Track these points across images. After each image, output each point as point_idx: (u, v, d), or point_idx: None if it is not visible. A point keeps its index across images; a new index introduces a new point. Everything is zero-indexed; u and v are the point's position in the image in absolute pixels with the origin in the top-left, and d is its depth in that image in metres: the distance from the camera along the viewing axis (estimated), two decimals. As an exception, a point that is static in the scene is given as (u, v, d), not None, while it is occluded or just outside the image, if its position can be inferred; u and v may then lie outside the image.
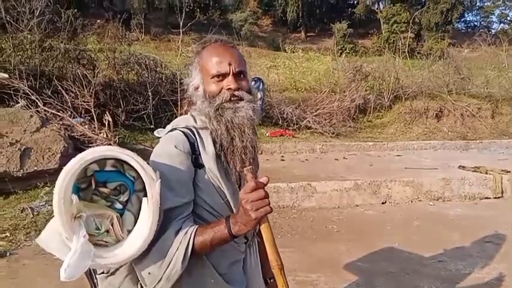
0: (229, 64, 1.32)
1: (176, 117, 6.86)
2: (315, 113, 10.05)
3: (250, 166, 1.21)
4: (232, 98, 1.31)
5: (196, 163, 1.31)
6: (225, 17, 29.77)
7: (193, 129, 1.36)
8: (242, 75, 1.35)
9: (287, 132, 9.59)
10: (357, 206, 5.56)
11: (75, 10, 8.84)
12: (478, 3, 40.12)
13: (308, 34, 35.68)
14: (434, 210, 5.48)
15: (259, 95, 10.03)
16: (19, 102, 6.73)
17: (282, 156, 8.14)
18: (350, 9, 37.96)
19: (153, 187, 1.14)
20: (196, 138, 1.34)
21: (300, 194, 5.48)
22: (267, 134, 9.42)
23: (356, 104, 10.83)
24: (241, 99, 1.32)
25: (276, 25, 36.62)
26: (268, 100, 10.38)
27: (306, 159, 7.88)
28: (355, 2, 38.46)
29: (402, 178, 5.91)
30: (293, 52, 16.39)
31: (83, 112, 7.12)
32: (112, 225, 1.18)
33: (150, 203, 1.15)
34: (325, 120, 9.94)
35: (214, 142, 1.33)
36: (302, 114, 9.95)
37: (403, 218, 5.09)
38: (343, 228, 4.75)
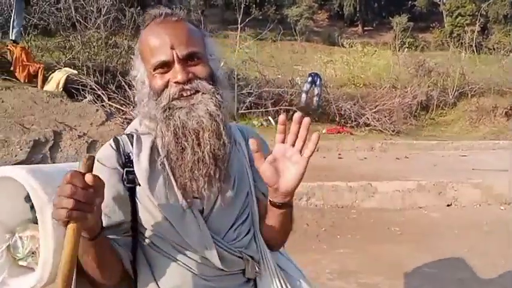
0: (172, 47, 1.00)
1: (233, 114, 6.80)
2: (375, 110, 9.75)
3: (88, 154, 0.85)
4: (183, 94, 1.01)
5: (129, 179, 1.05)
6: (281, 12, 29.66)
7: (134, 136, 1.10)
8: (195, 59, 1.03)
9: (344, 129, 9.39)
10: (420, 207, 5.31)
11: (138, 8, 9.14)
12: (553, -7, 37.15)
13: (365, 28, 34.77)
14: (505, 215, 5.12)
15: (316, 91, 9.90)
16: (86, 97, 7.07)
17: (339, 154, 7.96)
18: (410, 2, 36.48)
19: (45, 211, 0.99)
20: (132, 148, 1.08)
21: (359, 193, 5.32)
22: (323, 131, 9.27)
23: (418, 101, 10.42)
24: (196, 92, 1.02)
25: (332, 19, 36.00)
26: (325, 96, 10.21)
27: (365, 158, 7.66)
28: (416, -6, 36.91)
29: (470, 180, 5.57)
30: (351, 47, 16.03)
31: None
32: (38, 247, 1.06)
33: (40, 228, 1.01)
34: (385, 117, 9.62)
35: (154, 152, 1.07)
36: (360, 110, 9.69)
37: (471, 222, 4.79)
38: (406, 230, 4.55)
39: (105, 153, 1.08)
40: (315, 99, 9.97)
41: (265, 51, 11.94)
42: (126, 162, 1.07)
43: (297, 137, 0.97)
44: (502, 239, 4.27)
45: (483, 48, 15.58)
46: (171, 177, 1.05)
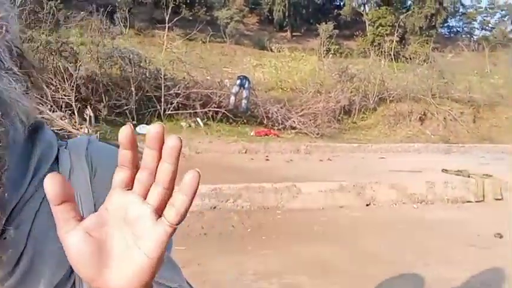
0: None
1: (159, 113, 6.49)
2: (300, 113, 10.02)
3: None
4: None
5: None
6: (211, 14, 29.56)
7: None
8: None
9: (272, 132, 9.54)
10: (341, 207, 5.53)
11: (58, 1, 8.60)
12: (461, 10, 40.77)
13: (294, 34, 35.72)
14: (417, 213, 5.49)
15: (244, 94, 9.97)
16: (-3, 94, 6.52)
17: (267, 156, 8.07)
18: (336, 10, 38.17)
19: None
20: None
21: (284, 194, 5.42)
22: (251, 133, 9.35)
23: (341, 105, 10.86)
24: None
25: (262, 24, 36.56)
26: (253, 99, 10.31)
27: (291, 160, 7.83)
28: (341, 4, 38.70)
29: (387, 181, 5.91)
30: (279, 51, 16.35)
31: (64, 106, 6.93)
32: None
33: None
34: (310, 120, 9.93)
35: None
36: (287, 114, 9.90)
37: (387, 221, 5.08)
38: (329, 229, 4.71)
39: None
40: (244, 101, 10.04)
41: (195, 52, 11.80)
42: None
43: (153, 178, 0.44)
44: (414, 236, 4.57)
45: (401, 57, 16.64)
46: None
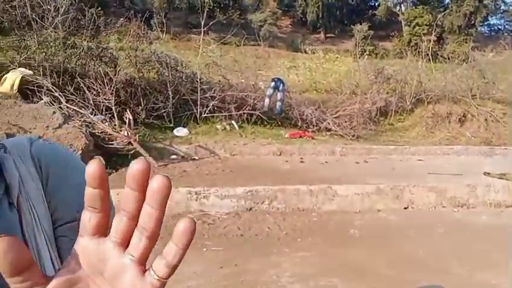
0: None
1: (195, 116, 6.46)
2: (335, 115, 9.93)
3: None
4: None
5: None
6: (245, 17, 29.75)
7: None
8: None
9: (306, 134, 9.50)
10: (379, 210, 5.44)
11: (98, 8, 8.92)
12: (502, 7, 39.25)
13: (327, 35, 35.44)
14: (459, 217, 5.33)
15: (279, 96, 9.99)
16: (42, 99, 6.81)
17: (301, 158, 8.04)
18: (370, 11, 37.56)
19: None
20: None
21: (320, 197, 5.39)
22: (286, 135, 9.34)
23: (377, 107, 10.68)
24: None
25: (296, 26, 36.47)
26: (287, 101, 10.31)
27: (326, 162, 7.77)
28: (376, 4, 38.09)
29: (425, 183, 5.77)
30: (313, 53, 16.28)
31: (104, 110, 7.17)
32: None
33: None
34: (346, 122, 9.82)
35: None
36: (322, 115, 9.84)
37: (426, 225, 4.96)
38: (365, 233, 4.65)
39: None
40: (278, 104, 10.06)
41: (229, 55, 11.94)
42: None
43: (135, 223, 0.36)
44: (455, 241, 4.44)
45: (439, 57, 16.21)
46: None
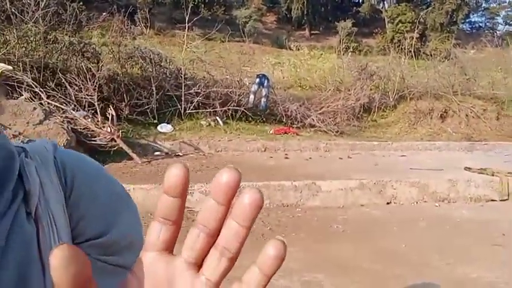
0: None
1: (180, 112, 6.37)
2: (320, 111, 9.98)
3: None
4: None
5: None
6: (230, 13, 29.66)
7: None
8: None
9: (291, 130, 9.53)
10: (362, 205, 5.50)
11: (80, 3, 8.76)
12: (483, 4, 39.93)
13: (312, 32, 35.56)
14: (440, 211, 5.42)
15: (263, 92, 9.99)
16: (22, 95, 6.69)
17: (286, 154, 8.07)
18: (355, 8, 37.83)
19: None
20: None
21: (304, 192, 5.42)
22: (270, 132, 9.36)
23: (361, 103, 10.77)
24: None
25: (280, 22, 36.50)
26: (272, 97, 10.32)
27: (310, 158, 7.82)
28: (360, 1, 38.35)
29: (408, 179, 5.85)
30: (298, 50, 16.32)
31: (87, 105, 7.07)
32: None
33: None
34: (330, 118, 9.88)
35: None
36: (306, 112, 9.88)
37: (409, 219, 5.03)
38: (349, 228, 4.69)
39: None
40: (263, 100, 10.06)
41: (214, 51, 11.88)
42: None
43: (213, 241, 0.31)
44: (436, 235, 4.51)
45: (421, 54, 16.40)
46: None
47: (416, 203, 5.70)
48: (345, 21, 30.46)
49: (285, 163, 7.32)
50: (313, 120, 9.81)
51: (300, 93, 11.36)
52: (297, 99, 10.43)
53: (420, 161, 7.69)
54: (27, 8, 7.62)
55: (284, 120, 9.85)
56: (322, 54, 16.54)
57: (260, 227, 4.61)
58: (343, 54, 12.98)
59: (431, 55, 15.09)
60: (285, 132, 9.41)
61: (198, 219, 0.30)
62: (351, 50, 14.37)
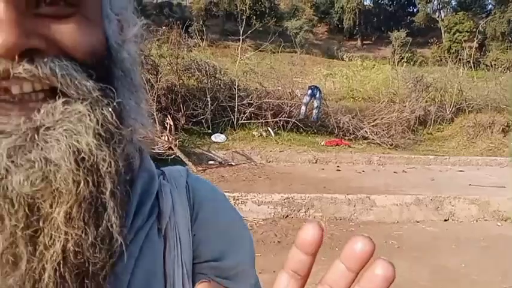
0: None
1: (233, 123, 6.47)
2: (373, 123, 9.84)
3: None
4: (11, 91, 0.40)
5: None
6: (281, 25, 29.92)
7: None
8: (63, 3, 0.41)
9: (343, 142, 9.45)
10: (418, 222, 5.35)
11: (142, 17, 9.18)
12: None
13: (364, 42, 35.11)
14: (502, 231, 5.17)
15: (315, 104, 9.99)
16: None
17: (338, 166, 8.02)
18: (409, 17, 36.99)
19: None
20: None
21: (358, 206, 5.36)
22: (322, 143, 9.33)
23: (416, 116, 10.50)
24: (49, 91, 0.41)
25: (332, 33, 36.35)
26: (324, 109, 10.30)
27: (363, 171, 7.71)
28: (415, 10, 37.45)
29: (467, 195, 5.63)
30: (350, 60, 16.18)
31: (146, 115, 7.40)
32: None
33: None
34: (383, 131, 9.70)
35: None
36: (359, 124, 9.77)
37: (468, 238, 4.84)
38: (404, 244, 4.59)
39: None
40: (314, 111, 10.06)
41: (265, 62, 12.04)
42: None
43: None
44: (499, 255, 4.31)
45: (481, 64, 15.75)
46: None
47: (476, 221, 5.47)
48: (398, 31, 29.83)
49: (337, 175, 7.27)
50: (366, 132, 9.68)
51: (353, 104, 11.25)
52: (349, 110, 10.34)
53: (480, 177, 7.38)
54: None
55: (336, 132, 9.79)
56: (375, 65, 16.28)
57: (313, 240, 4.61)
58: (397, 65, 12.73)
59: (491, 66, 14.46)
60: (337, 144, 9.34)
61: (325, 279, 0.32)
62: (405, 60, 14.06)
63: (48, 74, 0.39)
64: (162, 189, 0.56)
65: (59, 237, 0.40)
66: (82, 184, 0.40)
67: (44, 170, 0.39)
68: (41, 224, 0.40)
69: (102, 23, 0.46)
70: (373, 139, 9.58)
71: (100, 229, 0.42)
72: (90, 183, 0.41)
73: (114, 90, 0.44)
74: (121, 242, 0.43)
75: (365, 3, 34.70)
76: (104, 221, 0.42)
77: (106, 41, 0.46)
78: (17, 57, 0.38)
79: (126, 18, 0.51)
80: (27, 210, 0.39)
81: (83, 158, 0.40)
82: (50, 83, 0.40)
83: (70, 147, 0.40)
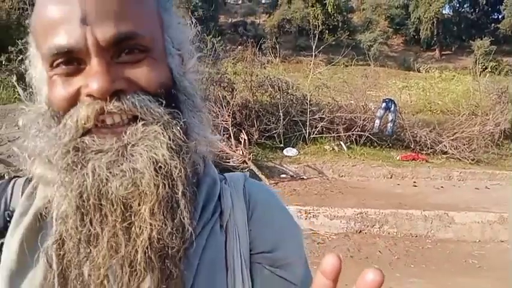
0: (83, 21, 0.53)
1: (304, 137, 6.63)
2: (452, 137, 9.39)
3: None
4: (106, 122, 0.55)
5: None
6: (354, 38, 29.58)
7: (29, 183, 0.65)
8: (136, 50, 0.56)
9: (420, 157, 9.12)
10: (502, 241, 5.05)
11: (219, 37, 9.70)
12: None
13: (443, 52, 33.51)
14: None
15: (390, 117, 9.76)
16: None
17: (414, 182, 7.77)
18: (493, 24, 34.72)
19: None
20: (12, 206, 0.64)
21: (435, 223, 5.19)
22: (397, 158, 9.08)
23: (501, 129, 9.83)
24: (132, 119, 0.56)
25: (408, 44, 35.16)
26: (399, 122, 10.03)
27: (442, 187, 7.41)
28: (499, 17, 35.09)
29: (560, 215, 5.21)
30: (427, 72, 15.57)
31: (222, 130, 7.76)
32: None
33: None
34: (464, 145, 9.21)
35: (46, 226, 0.60)
36: (437, 137, 9.37)
37: (560, 261, 4.48)
38: (486, 264, 4.37)
39: None
40: (389, 125, 9.82)
41: (338, 76, 12.01)
42: (4, 228, 0.62)
43: None
44: None
45: None
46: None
47: None
48: (481, 39, 28.14)
49: (414, 191, 7.05)
50: (445, 146, 9.26)
51: (430, 117, 10.82)
52: (427, 124, 9.96)
53: None
54: (175, 46, 8.73)
55: (412, 146, 9.48)
56: (454, 75, 15.50)
57: (387, 256, 4.55)
58: (479, 76, 12.05)
59: None
60: (413, 159, 9.04)
61: None
62: (489, 70, 13.26)
63: (131, 107, 0.54)
64: (223, 192, 0.68)
65: (146, 227, 0.53)
66: (160, 187, 0.53)
67: (133, 177, 0.53)
68: (132, 218, 0.53)
69: (167, 60, 0.60)
70: (452, 154, 9.14)
71: (175, 221, 0.55)
72: (166, 186, 0.54)
73: (180, 112, 0.58)
74: (191, 232, 0.56)
75: (443, 11, 33.18)
76: (178, 215, 0.55)
77: (171, 74, 0.60)
78: (108, 97, 0.53)
79: (185, 52, 0.65)
80: (122, 208, 0.53)
81: (160, 167, 0.54)
82: (132, 113, 0.54)
83: (150, 159, 0.53)
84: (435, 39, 32.87)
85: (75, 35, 0.53)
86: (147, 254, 0.53)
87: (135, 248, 0.53)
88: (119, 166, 0.53)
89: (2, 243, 0.60)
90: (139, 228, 0.53)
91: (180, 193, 0.55)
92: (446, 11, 34.26)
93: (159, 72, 0.57)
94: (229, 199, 0.68)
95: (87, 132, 0.54)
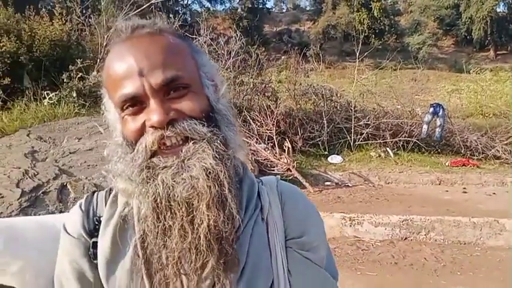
0: (140, 74, 0.72)
1: (349, 144, 6.73)
2: (506, 141, 9.02)
3: None
4: (166, 144, 0.74)
5: (96, 254, 0.81)
6: (401, 41, 28.92)
7: (111, 193, 0.86)
8: (180, 88, 0.75)
9: (470, 162, 8.84)
10: (559, 250, 4.83)
11: (263, 48, 9.96)
12: None
13: (498, 52, 31.98)
14: None
15: (438, 122, 9.54)
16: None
17: (464, 188, 7.54)
18: (555, 20, 32.69)
19: None
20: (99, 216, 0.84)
21: (484, 230, 5.05)
22: (446, 164, 8.85)
23: (560, 133, 9.33)
24: (185, 140, 0.74)
25: (459, 45, 33.86)
26: (448, 127, 9.77)
27: (494, 193, 7.15)
28: (562, 12, 32.98)
29: None
30: (478, 74, 15.01)
31: (266, 139, 7.94)
32: None
33: None
34: (519, 149, 8.83)
35: (128, 224, 0.80)
36: (489, 142, 9.04)
37: None
38: (539, 273, 4.21)
39: (72, 217, 0.85)
40: (437, 130, 9.59)
41: (384, 81, 11.87)
42: (94, 230, 0.82)
43: None
44: None
45: None
46: (144, 272, 0.76)
47: None
48: (541, 36, 26.63)
49: (463, 198, 6.86)
50: (498, 151, 8.92)
51: (482, 121, 10.45)
52: (478, 128, 9.64)
53: None
54: (221, 58, 9.06)
55: (462, 151, 9.20)
56: (510, 77, 14.84)
57: (433, 263, 4.50)
58: (537, 76, 11.50)
59: None
60: (463, 165, 8.77)
61: None
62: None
63: (182, 130, 0.73)
64: (261, 191, 0.87)
65: (205, 218, 0.72)
66: (212, 187, 0.72)
67: (191, 182, 0.71)
68: (194, 212, 0.72)
69: (204, 90, 0.79)
70: (506, 159, 8.79)
71: (226, 211, 0.73)
72: (216, 186, 0.72)
73: (219, 129, 0.77)
74: (239, 220, 0.75)
75: (498, 10, 31.68)
76: (227, 207, 0.73)
77: (208, 101, 0.79)
78: (165, 126, 0.72)
79: (218, 81, 0.84)
80: (186, 206, 0.72)
81: (210, 172, 0.72)
82: (184, 135, 0.73)
83: (202, 167, 0.72)
84: (489, 38, 31.46)
85: (136, 85, 0.73)
86: (207, 238, 0.71)
87: (199, 235, 0.71)
88: (180, 176, 0.71)
89: (95, 242, 0.80)
90: (200, 220, 0.71)
91: (226, 190, 0.73)
92: (501, 8, 32.68)
93: (200, 102, 0.76)
94: (266, 197, 0.86)
95: (153, 154, 0.74)
